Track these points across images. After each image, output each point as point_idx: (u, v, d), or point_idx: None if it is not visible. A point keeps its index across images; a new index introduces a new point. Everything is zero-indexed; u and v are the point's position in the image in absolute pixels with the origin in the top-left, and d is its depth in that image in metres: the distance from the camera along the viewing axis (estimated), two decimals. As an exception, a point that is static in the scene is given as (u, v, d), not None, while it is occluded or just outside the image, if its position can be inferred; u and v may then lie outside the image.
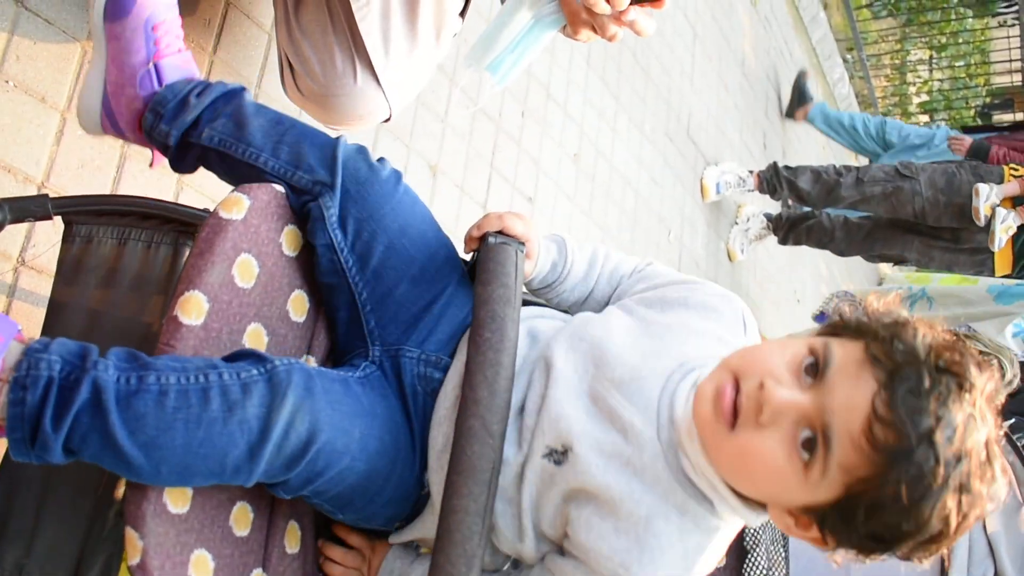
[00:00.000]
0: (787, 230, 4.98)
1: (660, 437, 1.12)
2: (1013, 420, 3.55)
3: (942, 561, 1.58)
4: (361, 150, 1.34)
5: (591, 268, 1.40)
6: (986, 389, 1.02)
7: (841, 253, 4.91)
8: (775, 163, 4.90)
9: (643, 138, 4.43)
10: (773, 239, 5.22)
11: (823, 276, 6.80)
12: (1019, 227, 4.19)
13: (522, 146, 3.42)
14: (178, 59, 1.52)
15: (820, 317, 4.66)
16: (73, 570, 1.24)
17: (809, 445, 1.00)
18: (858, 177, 4.62)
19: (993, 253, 4.29)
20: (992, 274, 4.41)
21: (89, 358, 1.03)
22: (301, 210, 1.31)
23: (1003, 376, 3.27)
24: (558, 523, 1.16)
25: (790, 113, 6.37)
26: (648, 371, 1.16)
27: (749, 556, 1.49)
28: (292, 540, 1.27)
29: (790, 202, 5.04)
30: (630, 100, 4.36)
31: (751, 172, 4.99)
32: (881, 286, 5.01)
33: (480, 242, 1.29)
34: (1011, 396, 3.46)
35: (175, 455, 1.03)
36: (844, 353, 1.03)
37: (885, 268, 7.79)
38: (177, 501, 1.10)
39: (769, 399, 1.01)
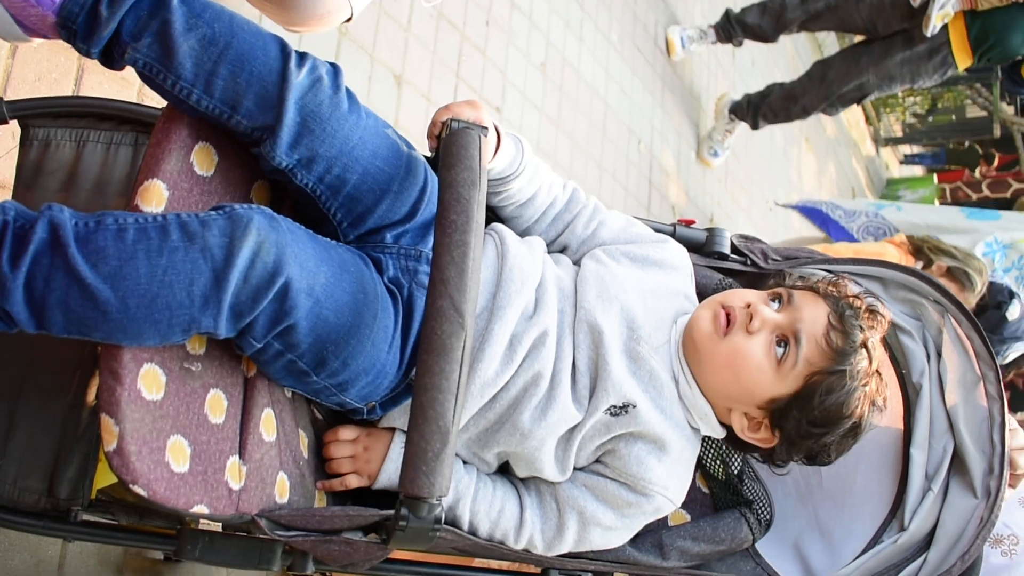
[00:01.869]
0: (753, 113, 4.95)
1: (674, 378, 1.41)
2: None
3: (905, 435, 1.63)
4: (314, 80, 1.24)
5: (536, 172, 1.49)
6: (886, 327, 1.46)
7: (805, 110, 4.86)
8: (727, 9, 4.87)
9: (610, 47, 4.39)
10: (743, 129, 5.21)
11: (794, 184, 6.83)
12: (968, 12, 4.08)
13: (488, 55, 3.39)
14: None
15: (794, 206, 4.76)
16: (50, 468, 1.25)
17: (783, 346, 1.37)
18: None
19: (952, 49, 4.21)
20: (956, 69, 4.35)
21: (42, 207, 1.04)
22: (236, 136, 1.26)
23: (971, 286, 3.33)
24: (594, 456, 1.42)
25: None
26: (658, 325, 1.43)
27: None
28: (268, 428, 1.28)
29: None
30: (596, 9, 4.31)
31: (710, 25, 4.97)
32: (853, 199, 5.02)
33: (442, 129, 1.30)
34: (978, 312, 3.52)
35: (140, 285, 1.04)
36: (799, 292, 1.43)
37: (833, 131, 7.76)
38: (151, 387, 1.11)
39: (758, 312, 1.38)
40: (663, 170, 4.74)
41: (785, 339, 1.37)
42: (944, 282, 3.39)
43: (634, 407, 1.36)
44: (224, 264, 1.07)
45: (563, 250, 1.57)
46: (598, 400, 1.36)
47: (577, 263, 1.52)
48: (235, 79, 1.20)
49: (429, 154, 1.41)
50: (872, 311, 1.42)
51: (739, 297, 1.43)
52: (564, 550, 1.42)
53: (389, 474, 1.41)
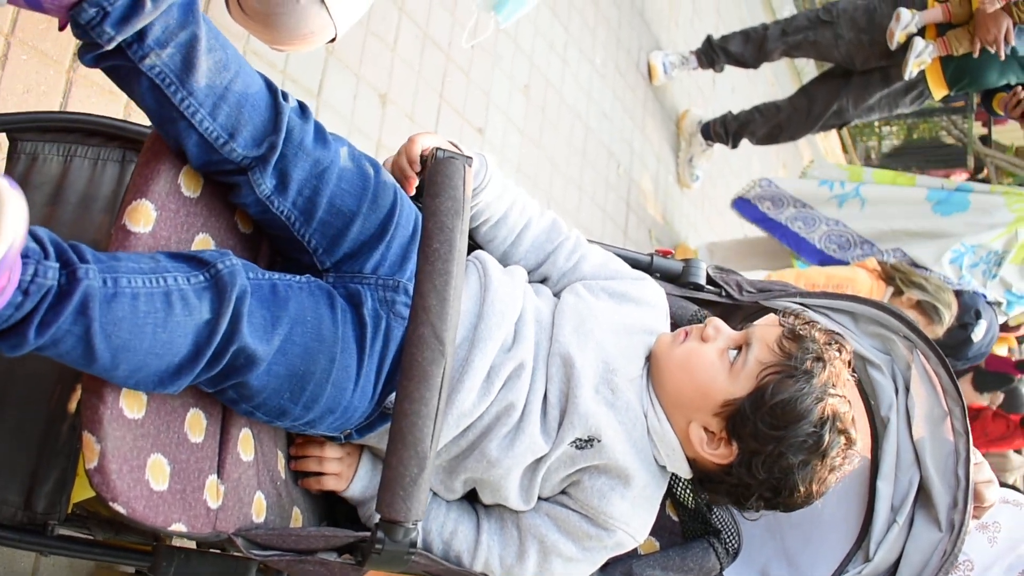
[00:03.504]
0: (734, 135, 4.99)
1: (644, 412, 1.42)
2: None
3: (871, 469, 1.66)
4: (300, 111, 1.29)
5: (505, 191, 1.53)
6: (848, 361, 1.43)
7: (792, 138, 4.92)
8: (709, 36, 4.92)
9: (593, 71, 4.44)
10: (719, 151, 5.25)
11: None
12: (944, 57, 4.15)
13: (471, 77, 3.42)
14: None
15: (739, 202, 4.71)
16: (28, 482, 1.25)
17: (736, 350, 1.39)
18: (783, 29, 4.64)
19: (928, 84, 4.29)
20: (932, 99, 4.41)
21: (77, 267, 1.03)
22: (217, 167, 1.26)
23: (940, 320, 3.38)
24: (559, 487, 1.42)
25: None
26: (631, 359, 1.45)
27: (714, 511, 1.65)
28: (246, 448, 1.30)
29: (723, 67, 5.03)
30: (580, 32, 4.35)
31: (692, 52, 5.02)
32: (808, 171, 4.92)
33: (426, 159, 1.32)
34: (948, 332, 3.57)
35: (138, 355, 1.07)
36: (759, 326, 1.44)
37: (810, 154, 7.84)
38: (133, 406, 1.12)
39: (711, 321, 1.43)
40: (641, 193, 4.79)
41: (739, 347, 1.40)
42: (913, 315, 3.47)
43: (599, 441, 1.37)
44: (207, 339, 1.12)
45: (543, 280, 1.59)
46: (564, 432, 1.37)
47: (557, 295, 1.54)
48: (239, 109, 1.21)
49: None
50: (830, 336, 1.42)
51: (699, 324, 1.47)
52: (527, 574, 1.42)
53: (358, 489, 1.44)
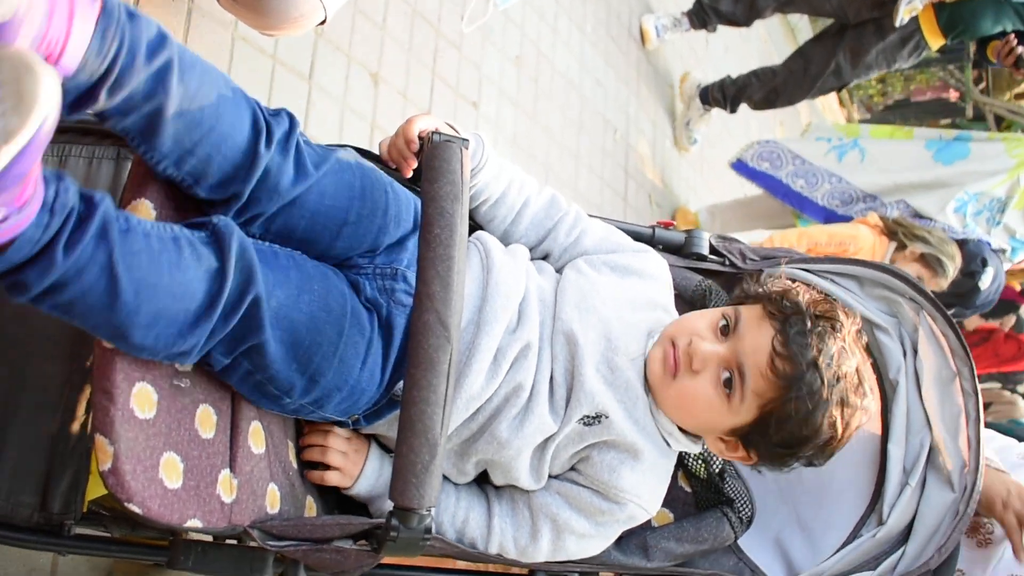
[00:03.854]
0: (732, 100, 4.96)
1: (645, 392, 1.41)
2: (953, 310, 3.67)
3: (882, 432, 1.66)
4: (287, 135, 1.25)
5: (501, 170, 1.51)
6: (851, 329, 1.37)
7: (790, 102, 4.89)
8: None
9: (584, 39, 4.40)
10: (718, 114, 5.22)
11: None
12: (937, 4, 4.10)
13: (463, 52, 3.39)
14: None
15: (737, 164, 4.69)
16: (43, 483, 1.26)
17: (729, 383, 1.34)
18: None
19: (923, 34, 4.24)
20: (930, 50, 4.37)
21: (94, 195, 1.04)
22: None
23: (944, 273, 3.37)
24: (568, 463, 1.43)
25: None
26: (634, 337, 1.43)
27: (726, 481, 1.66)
28: (257, 440, 1.30)
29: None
30: (570, 1, 4.31)
31: (683, 13, 4.98)
32: (806, 134, 4.89)
33: (422, 144, 1.32)
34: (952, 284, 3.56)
35: (158, 295, 1.07)
36: (748, 313, 1.38)
37: (807, 116, 7.80)
38: (143, 405, 1.12)
39: (696, 351, 1.35)
40: (639, 159, 4.76)
41: (730, 375, 1.35)
42: (916, 268, 3.46)
43: (607, 417, 1.37)
44: (219, 286, 1.11)
45: (545, 257, 1.58)
46: (572, 410, 1.37)
47: (559, 271, 1.53)
48: (208, 161, 1.18)
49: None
50: (829, 317, 1.34)
51: (685, 330, 1.40)
52: (540, 558, 1.43)
53: (364, 488, 1.44)
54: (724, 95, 4.97)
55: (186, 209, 1.25)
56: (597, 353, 1.40)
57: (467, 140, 1.29)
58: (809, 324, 1.31)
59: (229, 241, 1.13)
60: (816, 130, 4.92)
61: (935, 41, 4.27)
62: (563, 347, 1.40)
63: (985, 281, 3.64)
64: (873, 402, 1.40)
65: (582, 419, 1.37)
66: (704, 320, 1.41)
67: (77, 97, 1.06)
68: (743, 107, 5.04)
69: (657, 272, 1.57)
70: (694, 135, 5.26)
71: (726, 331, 1.38)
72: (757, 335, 1.34)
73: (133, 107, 1.11)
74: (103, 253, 1.02)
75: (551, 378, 1.40)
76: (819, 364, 1.29)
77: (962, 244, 3.64)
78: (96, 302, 1.04)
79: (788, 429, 1.32)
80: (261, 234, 1.29)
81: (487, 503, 1.46)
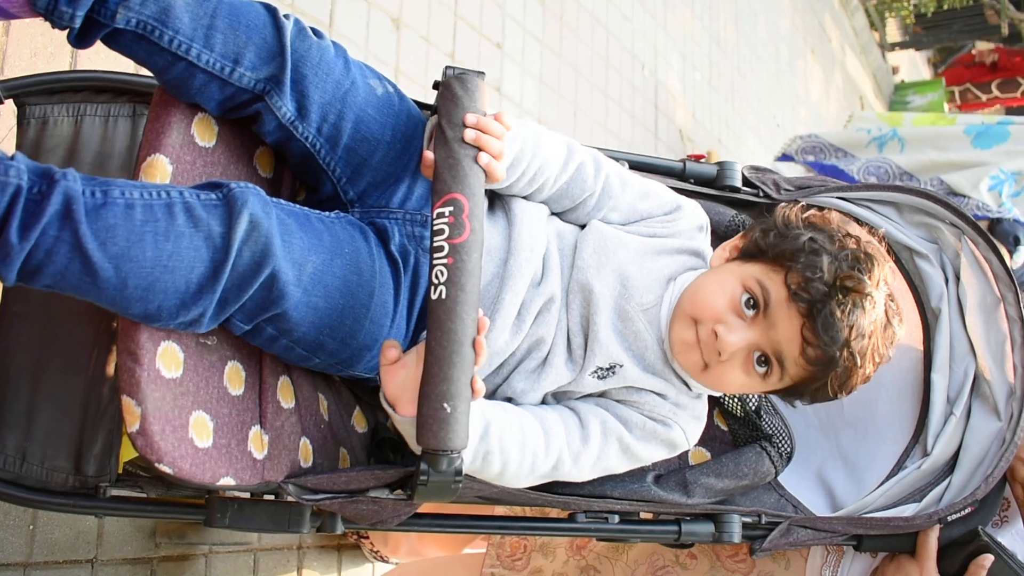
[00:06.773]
0: None
1: (659, 341, 1.38)
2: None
3: (924, 362, 1.62)
4: (300, 29, 1.24)
5: (538, 172, 1.37)
6: (882, 276, 1.32)
7: None
8: None
9: (609, -28, 4.31)
10: (739, 46, 5.11)
11: (801, 98, 6.73)
12: None
13: (485, -10, 3.33)
14: None
15: (783, 158, 4.64)
16: (76, 447, 1.26)
17: (762, 361, 1.33)
18: None
19: None
20: None
21: (55, 172, 1.02)
22: (233, 101, 1.23)
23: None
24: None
25: None
26: (652, 283, 1.38)
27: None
28: (286, 395, 1.29)
29: None
30: (592, -68, 4.21)
31: None
32: (849, 125, 4.81)
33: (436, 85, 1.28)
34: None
35: (144, 268, 1.03)
36: (775, 291, 1.30)
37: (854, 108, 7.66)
38: (170, 365, 1.11)
39: (724, 346, 1.30)
40: (669, 94, 4.68)
41: (764, 354, 1.33)
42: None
43: (621, 366, 1.36)
44: (224, 254, 1.07)
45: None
46: (588, 361, 1.36)
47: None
48: (234, 32, 1.18)
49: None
50: (857, 290, 1.27)
51: (706, 310, 1.33)
52: (588, 466, 1.37)
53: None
54: None
55: (206, 161, 1.22)
56: (611, 300, 1.36)
57: (482, 73, 1.26)
58: (838, 308, 1.26)
59: (240, 207, 1.09)
60: (858, 120, 4.85)
61: None
62: (578, 296, 1.37)
63: (1019, 258, 3.61)
64: (901, 331, 1.39)
65: (595, 371, 1.36)
66: (724, 297, 1.33)
67: None
68: (771, 32, 4.91)
69: (688, 232, 1.48)
70: None
71: (751, 304, 1.32)
72: (786, 322, 1.30)
73: None
74: (68, 232, 0.99)
75: (567, 328, 1.37)
76: (851, 345, 1.28)
77: (995, 223, 3.60)
78: (78, 281, 1.02)
79: (824, 391, 1.34)
80: (317, 127, 1.26)
81: (539, 416, 1.37)
